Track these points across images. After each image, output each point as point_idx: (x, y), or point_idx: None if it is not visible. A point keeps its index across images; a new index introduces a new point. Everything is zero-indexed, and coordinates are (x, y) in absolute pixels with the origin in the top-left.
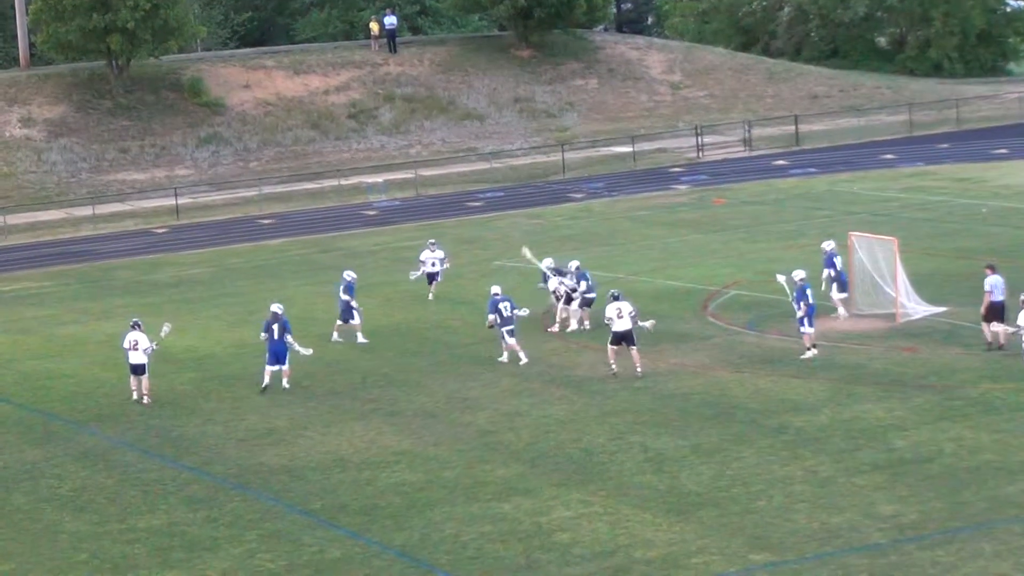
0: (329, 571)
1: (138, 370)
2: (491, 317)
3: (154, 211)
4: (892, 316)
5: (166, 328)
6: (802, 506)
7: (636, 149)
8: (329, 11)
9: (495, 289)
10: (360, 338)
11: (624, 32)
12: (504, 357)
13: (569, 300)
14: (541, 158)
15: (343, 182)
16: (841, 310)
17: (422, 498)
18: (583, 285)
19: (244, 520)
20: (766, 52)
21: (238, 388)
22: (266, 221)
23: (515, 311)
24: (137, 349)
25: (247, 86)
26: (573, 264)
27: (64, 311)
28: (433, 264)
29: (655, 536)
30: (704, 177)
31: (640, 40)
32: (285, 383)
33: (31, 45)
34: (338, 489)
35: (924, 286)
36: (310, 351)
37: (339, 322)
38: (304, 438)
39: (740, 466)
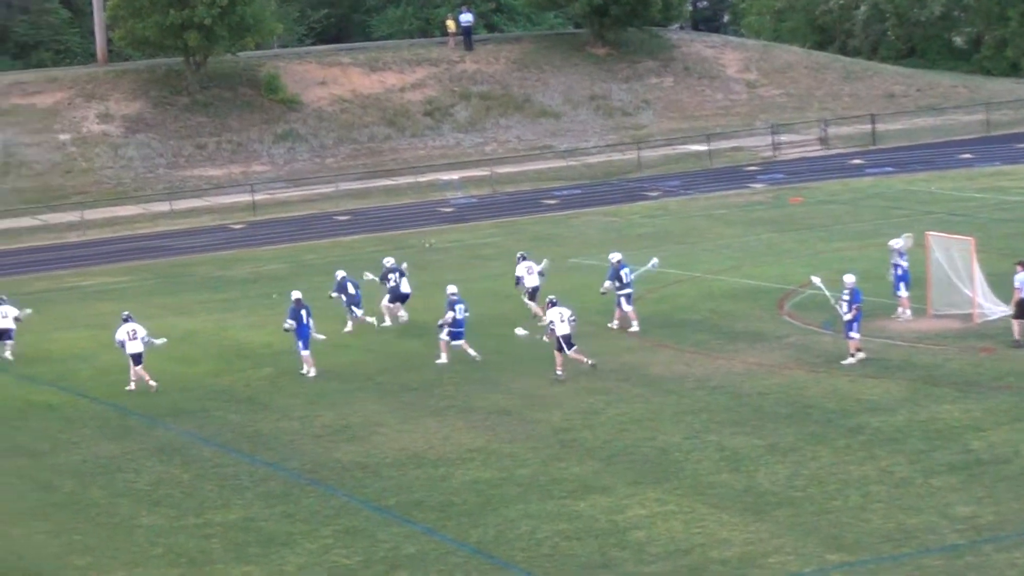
0: (404, 567)
1: (136, 359)
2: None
3: (230, 207)
4: (969, 316)
5: (161, 341)
6: (878, 506)
7: (712, 147)
8: (405, 8)
9: (616, 256)
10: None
11: (700, 30)
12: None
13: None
14: (617, 156)
15: (419, 179)
16: (901, 310)
17: (497, 495)
18: (611, 284)
19: (320, 516)
20: (842, 51)
21: (314, 384)
22: (342, 217)
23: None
24: (136, 338)
25: (323, 83)
26: (615, 257)
27: (141, 306)
28: (529, 272)
29: (731, 535)
30: (780, 176)
31: (716, 38)
32: (311, 370)
33: (109, 41)
34: (413, 485)
35: (1001, 286)
36: (323, 336)
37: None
38: (379, 434)
39: (816, 466)
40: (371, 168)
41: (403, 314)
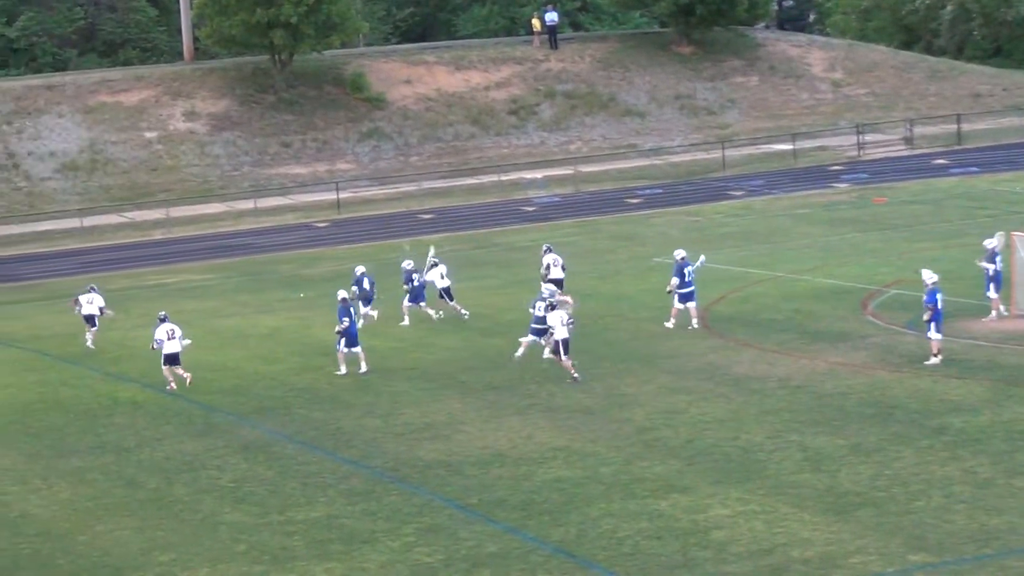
0: (486, 566)
1: (173, 360)
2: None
3: (315, 205)
4: None
5: (187, 342)
6: (961, 507)
7: (797, 147)
8: (491, 7)
9: (681, 253)
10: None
11: (785, 29)
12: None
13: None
14: (701, 155)
15: (503, 178)
16: (995, 313)
17: (579, 494)
18: (676, 281)
19: (402, 514)
20: (928, 50)
21: (396, 382)
22: (425, 216)
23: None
24: (174, 338)
25: (408, 81)
26: (679, 254)
27: (225, 304)
28: (555, 264)
29: (812, 535)
30: (865, 175)
31: (802, 38)
32: (364, 366)
33: (195, 39)
34: (495, 484)
35: None
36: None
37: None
38: (462, 433)
39: (899, 466)
40: (455, 167)
41: (432, 312)
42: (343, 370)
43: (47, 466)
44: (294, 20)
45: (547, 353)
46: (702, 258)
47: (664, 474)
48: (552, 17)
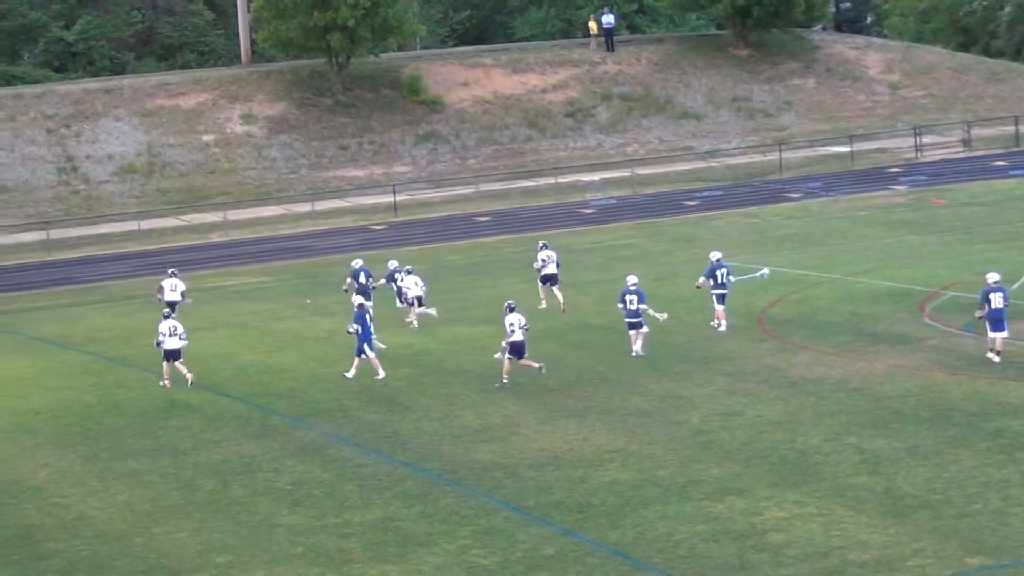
0: (543, 568)
1: (174, 355)
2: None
3: (372, 208)
4: None
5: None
6: (1018, 510)
7: (854, 149)
8: (548, 9)
9: (716, 255)
10: None
11: (843, 31)
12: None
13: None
14: (758, 157)
15: (560, 180)
16: None
17: (636, 496)
18: (705, 281)
19: (458, 516)
20: (986, 52)
21: (453, 384)
22: (482, 218)
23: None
24: (175, 335)
25: (465, 84)
26: (714, 255)
27: (282, 306)
28: (548, 260)
29: (870, 538)
30: (923, 178)
31: (859, 39)
32: (380, 372)
33: (252, 43)
34: (552, 486)
35: None
36: (382, 346)
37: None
38: (518, 435)
39: (957, 469)
40: (512, 169)
41: (414, 317)
42: (352, 373)
43: (105, 468)
44: (351, 23)
45: (636, 350)
46: (765, 270)
47: (721, 477)
48: (609, 19)
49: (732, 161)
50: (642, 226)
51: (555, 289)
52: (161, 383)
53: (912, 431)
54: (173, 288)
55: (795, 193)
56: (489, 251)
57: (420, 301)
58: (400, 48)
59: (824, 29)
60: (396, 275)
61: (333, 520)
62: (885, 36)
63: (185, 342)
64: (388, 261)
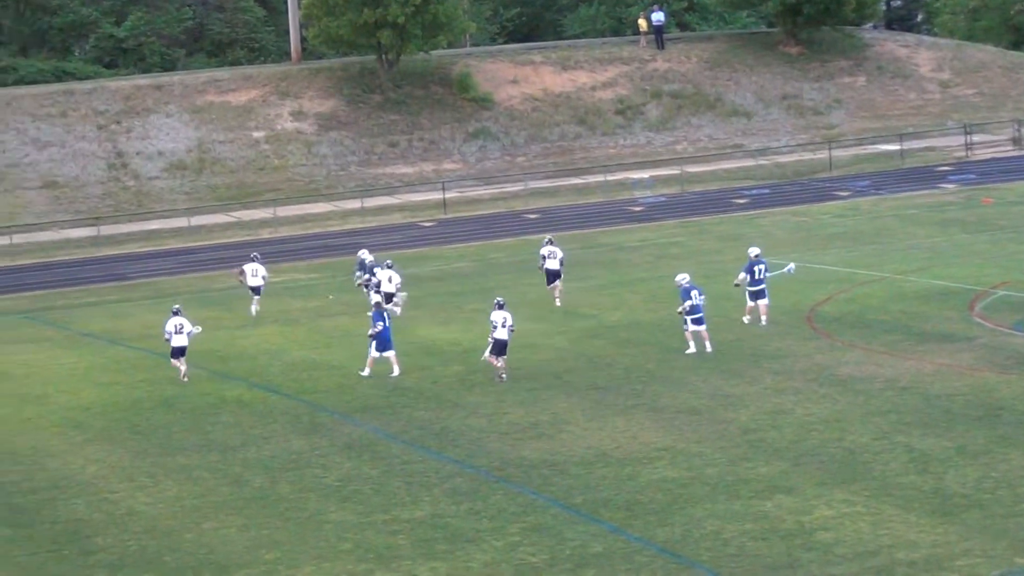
0: (591, 565)
1: (181, 352)
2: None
3: (421, 205)
4: None
5: (197, 329)
6: None
7: (904, 147)
8: (598, 7)
9: (683, 277)
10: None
11: (893, 29)
12: (691, 348)
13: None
14: (807, 155)
15: (608, 178)
16: None
17: (684, 494)
18: (744, 277)
19: (506, 513)
20: None
21: (502, 382)
22: (531, 216)
23: (702, 298)
24: (181, 332)
25: (515, 81)
26: (753, 251)
27: (331, 303)
28: (551, 256)
29: (918, 537)
30: (972, 176)
31: (909, 37)
32: (396, 370)
33: (303, 39)
34: (600, 484)
35: None
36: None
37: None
38: (566, 432)
39: (1006, 468)
40: (561, 167)
41: (396, 310)
42: (367, 371)
43: (154, 464)
44: (401, 20)
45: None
46: (791, 266)
47: (769, 475)
48: (659, 17)
49: (781, 159)
50: (690, 224)
51: (557, 282)
52: (182, 379)
53: (961, 430)
54: (255, 273)
55: (844, 191)
56: (537, 248)
57: (390, 298)
58: (450, 45)
59: (874, 27)
60: (375, 268)
61: (381, 516)
62: (935, 34)
63: (192, 335)
64: (359, 251)
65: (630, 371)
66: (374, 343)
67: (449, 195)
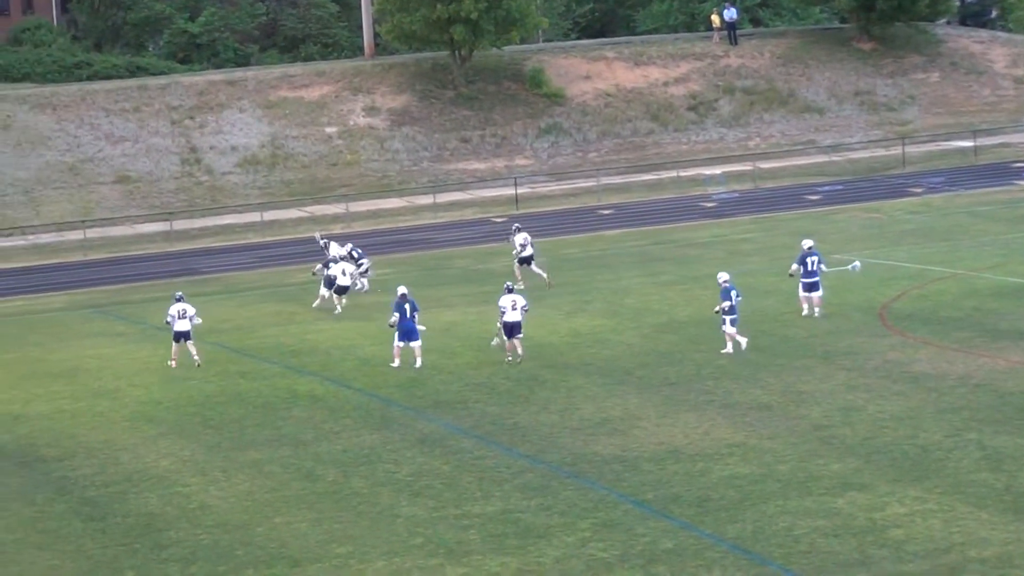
0: (662, 562)
1: (183, 336)
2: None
3: (493, 200)
4: None
5: (198, 320)
6: None
7: (978, 143)
8: (670, 3)
9: (724, 277)
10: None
11: (967, 25)
12: (728, 348)
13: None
14: (881, 152)
15: (681, 174)
16: None
17: (755, 491)
18: (797, 268)
19: (578, 509)
20: None
21: (573, 377)
22: (604, 212)
23: (739, 299)
24: (184, 318)
25: (587, 77)
26: (806, 243)
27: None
28: (524, 243)
29: (991, 535)
30: None
31: (984, 33)
32: (418, 361)
33: (376, 35)
34: (671, 480)
35: None
36: (422, 328)
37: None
38: (638, 428)
39: None
40: (633, 163)
41: (339, 309)
42: (396, 363)
43: (226, 458)
44: (474, 16)
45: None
46: (856, 263)
47: (841, 472)
48: (732, 13)
49: (854, 155)
50: (762, 220)
51: (534, 267)
52: (168, 362)
53: None
54: (343, 272)
55: (917, 188)
56: (610, 244)
57: (344, 291)
58: (523, 41)
59: (948, 23)
60: (332, 263)
61: (453, 511)
62: (1010, 30)
63: (195, 323)
64: (345, 244)
65: (701, 367)
66: (396, 333)
67: (521, 191)
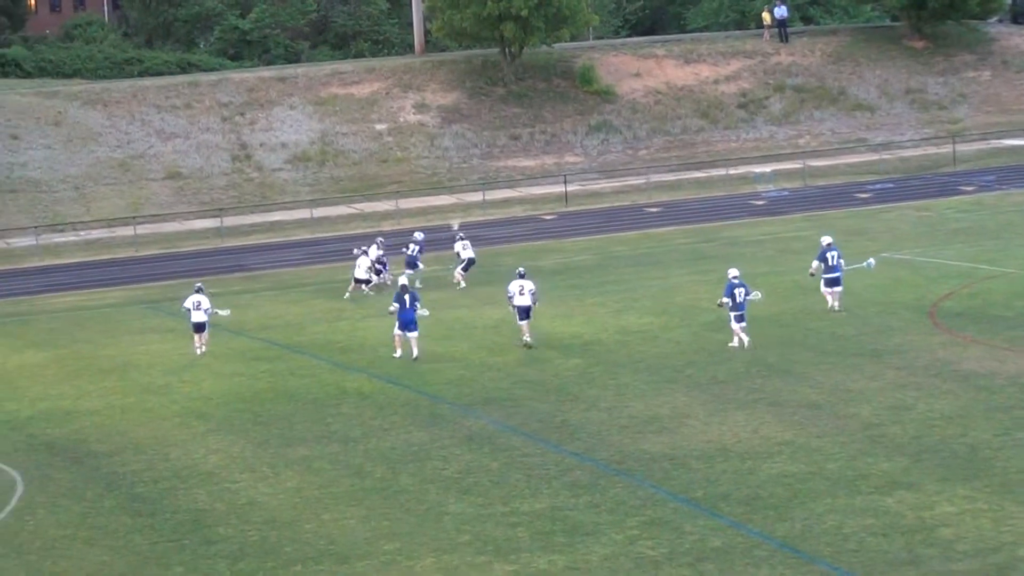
0: (710, 560)
1: (200, 327)
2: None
3: (542, 198)
4: None
5: (226, 312)
6: None
7: None
8: (721, 0)
9: (733, 273)
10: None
11: (1019, 23)
12: (735, 342)
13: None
14: (931, 150)
15: (731, 172)
16: None
17: (804, 489)
18: (818, 265)
19: (626, 506)
20: None
21: (622, 375)
22: (653, 209)
23: (748, 297)
24: (199, 309)
25: (637, 74)
26: (825, 240)
27: (452, 295)
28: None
29: None
30: None
31: None
32: (415, 352)
33: (426, 32)
34: (720, 478)
35: None
36: (426, 312)
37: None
38: (687, 426)
39: None
40: (683, 160)
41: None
42: (398, 353)
43: (275, 454)
44: (525, 13)
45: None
46: (871, 260)
47: (890, 471)
48: (782, 11)
49: (905, 154)
50: (813, 218)
51: (467, 271)
52: (196, 350)
53: None
54: (403, 277)
55: (969, 186)
56: (659, 242)
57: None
58: (573, 38)
59: (1000, 21)
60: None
61: (501, 509)
62: None
63: (214, 313)
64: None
65: (750, 365)
66: (396, 323)
67: (571, 188)
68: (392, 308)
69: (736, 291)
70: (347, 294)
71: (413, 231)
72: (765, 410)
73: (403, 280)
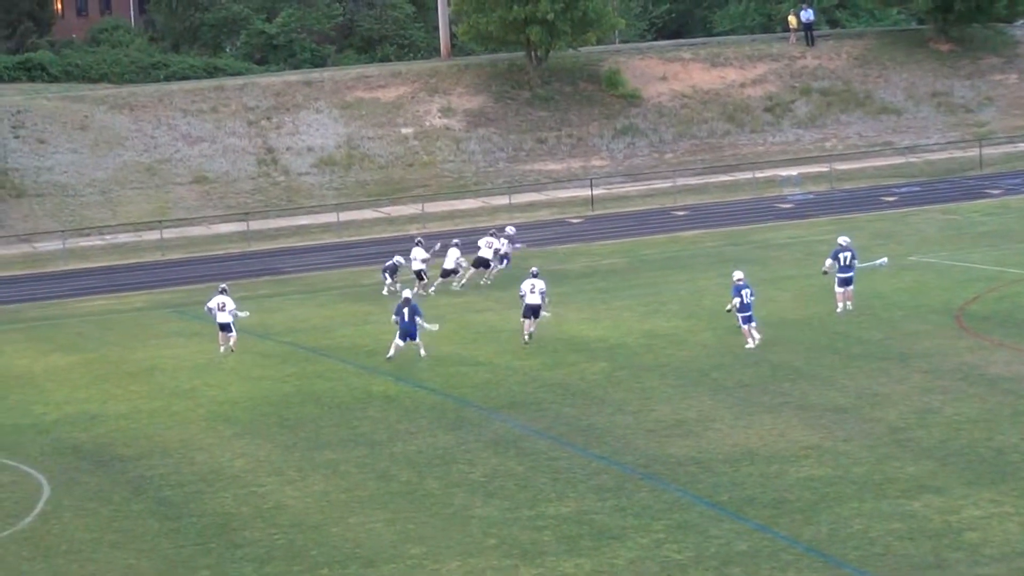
0: (736, 564)
1: (225, 328)
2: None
3: (569, 201)
4: None
5: (244, 313)
6: None
7: None
8: (747, 4)
9: (738, 275)
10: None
11: None
12: (750, 343)
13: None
14: (958, 153)
15: (758, 175)
16: None
17: (831, 493)
18: (831, 263)
19: (652, 510)
20: None
21: (648, 379)
22: (680, 213)
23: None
24: (224, 310)
25: (664, 78)
26: (841, 239)
27: (479, 299)
28: (490, 247)
29: None
30: None
31: None
32: (422, 352)
33: (452, 36)
34: (746, 482)
35: None
36: (436, 327)
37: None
38: (713, 430)
39: None
40: (709, 164)
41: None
42: (390, 353)
43: (302, 458)
44: (551, 17)
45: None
46: (883, 259)
47: (917, 474)
48: (808, 14)
49: (931, 157)
50: (839, 222)
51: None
52: (220, 347)
53: None
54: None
55: (995, 189)
56: (686, 245)
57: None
58: (599, 42)
59: None
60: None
61: (527, 512)
62: None
63: (237, 316)
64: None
65: (777, 369)
66: (397, 332)
67: (597, 192)
68: (394, 320)
69: (743, 292)
70: (458, 284)
71: (504, 227)
72: (791, 414)
73: (406, 293)
